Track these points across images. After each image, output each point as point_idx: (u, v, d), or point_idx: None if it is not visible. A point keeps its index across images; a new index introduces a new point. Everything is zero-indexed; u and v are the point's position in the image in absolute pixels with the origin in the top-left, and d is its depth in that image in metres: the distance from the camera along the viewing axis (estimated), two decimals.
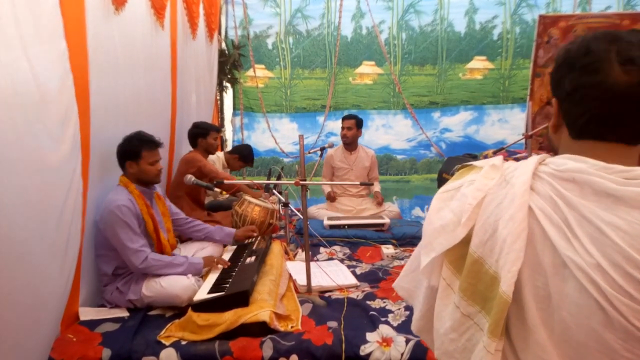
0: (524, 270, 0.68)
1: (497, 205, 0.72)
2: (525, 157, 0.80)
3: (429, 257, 0.79)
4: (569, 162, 0.69)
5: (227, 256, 2.66)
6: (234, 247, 2.83)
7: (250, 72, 5.16)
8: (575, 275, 0.64)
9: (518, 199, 0.69)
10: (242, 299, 1.97)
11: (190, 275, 2.25)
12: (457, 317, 0.76)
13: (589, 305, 0.63)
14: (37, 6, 1.74)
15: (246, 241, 2.85)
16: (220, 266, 2.39)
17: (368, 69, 5.14)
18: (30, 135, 1.72)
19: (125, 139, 2.35)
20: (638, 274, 0.60)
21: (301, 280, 2.40)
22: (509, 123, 5.10)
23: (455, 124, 5.18)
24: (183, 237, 2.91)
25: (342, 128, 3.92)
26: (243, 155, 4.03)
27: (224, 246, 2.89)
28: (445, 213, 0.77)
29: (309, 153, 3.91)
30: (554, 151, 0.80)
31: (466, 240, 0.74)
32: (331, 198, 3.91)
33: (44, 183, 1.81)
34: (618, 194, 0.63)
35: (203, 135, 3.38)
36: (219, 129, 3.54)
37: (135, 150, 2.30)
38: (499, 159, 0.80)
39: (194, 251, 2.72)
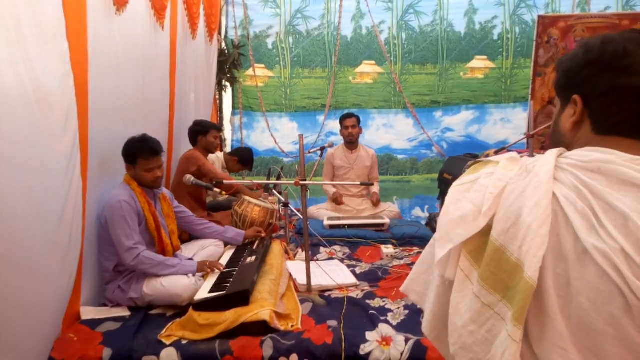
0: (547, 257, 0.68)
1: (520, 194, 0.72)
2: (527, 157, 0.81)
3: (445, 248, 0.79)
4: (594, 154, 0.70)
5: (227, 255, 2.67)
6: (235, 246, 2.84)
7: (250, 72, 5.16)
8: (597, 261, 0.64)
9: (543, 186, 0.70)
10: (242, 298, 1.98)
11: (191, 275, 2.26)
12: (477, 307, 0.75)
13: (609, 290, 0.64)
14: (39, 6, 1.75)
15: (247, 241, 2.86)
16: (216, 270, 2.33)
17: (368, 68, 5.14)
18: (33, 135, 1.74)
19: (128, 141, 2.36)
20: None
21: (301, 279, 2.41)
22: (512, 122, 5.09)
23: (457, 124, 5.18)
24: (184, 237, 2.92)
25: (346, 127, 3.89)
26: (242, 159, 4.03)
27: (225, 246, 2.90)
28: (463, 204, 0.78)
29: (309, 153, 3.91)
30: (562, 147, 0.80)
31: (485, 231, 0.75)
32: (337, 201, 3.87)
33: (46, 183, 1.82)
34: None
35: (204, 133, 3.38)
36: (219, 128, 3.54)
37: (131, 155, 2.32)
38: (514, 153, 0.81)
39: (195, 251, 2.73)
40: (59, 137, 1.87)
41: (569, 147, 0.79)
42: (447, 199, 0.81)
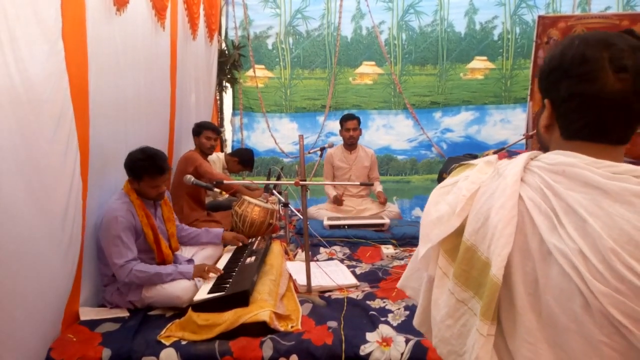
0: (515, 256, 0.72)
1: (490, 196, 0.76)
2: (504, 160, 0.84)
3: (425, 247, 0.84)
4: (560, 157, 0.73)
5: (227, 256, 2.67)
6: (234, 247, 2.83)
7: (250, 72, 5.16)
8: (559, 261, 0.67)
9: (509, 188, 0.73)
10: (242, 298, 1.98)
11: None
12: (452, 303, 0.80)
13: (570, 289, 0.66)
14: (36, 6, 1.74)
15: (240, 243, 2.82)
16: (212, 275, 2.27)
17: (368, 69, 5.14)
18: (36, 135, 1.74)
19: (133, 153, 2.27)
20: (617, 263, 0.63)
21: (301, 280, 2.40)
22: (511, 123, 5.09)
23: (457, 124, 5.17)
24: None
25: (347, 129, 3.87)
26: (243, 159, 4.02)
27: (224, 246, 2.89)
28: (441, 206, 0.82)
29: (309, 153, 3.90)
30: (544, 149, 0.82)
31: (460, 230, 0.78)
32: (338, 202, 3.86)
33: (47, 183, 1.82)
34: (605, 187, 0.66)
35: (197, 133, 3.36)
36: (215, 128, 3.50)
37: (137, 171, 2.24)
38: (493, 156, 0.84)
39: (195, 251, 2.72)
40: (49, 137, 1.85)
41: (547, 149, 0.81)
42: (429, 201, 0.86)
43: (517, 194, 0.73)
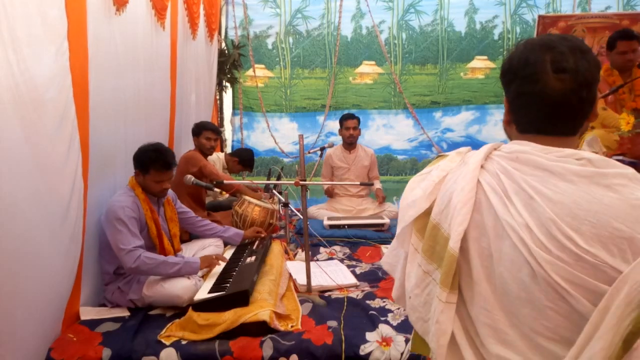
0: (472, 233, 0.82)
1: (454, 181, 0.86)
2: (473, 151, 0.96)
3: (400, 227, 0.96)
4: (515, 146, 0.83)
5: (227, 255, 2.66)
6: (235, 246, 2.84)
7: (250, 72, 5.16)
8: (509, 235, 0.76)
9: (469, 174, 0.83)
10: (242, 298, 1.98)
11: (191, 275, 2.25)
12: (420, 274, 0.91)
13: (519, 260, 0.75)
14: (42, 7, 1.75)
15: (246, 241, 2.86)
16: (222, 263, 2.36)
17: (368, 69, 5.14)
18: (31, 135, 1.74)
19: (142, 148, 2.33)
20: (557, 233, 0.71)
21: (301, 279, 2.40)
22: None
23: (457, 124, 5.17)
24: (184, 237, 2.92)
25: (347, 128, 3.87)
26: (243, 159, 4.02)
27: (225, 246, 2.89)
28: (416, 191, 0.92)
29: (309, 153, 3.90)
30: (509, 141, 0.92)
31: (429, 211, 0.89)
32: (330, 193, 3.89)
33: (50, 183, 1.82)
34: (551, 169, 0.76)
35: (197, 134, 3.36)
36: (215, 129, 3.50)
37: (145, 164, 2.29)
38: (464, 148, 0.95)
39: (195, 251, 2.73)
40: (53, 136, 1.86)
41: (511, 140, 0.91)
42: (406, 187, 0.97)
43: (475, 179, 0.83)
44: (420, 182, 0.93)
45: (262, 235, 2.87)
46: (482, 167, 0.84)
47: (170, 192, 2.55)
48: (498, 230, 0.78)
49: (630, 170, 0.73)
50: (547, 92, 0.80)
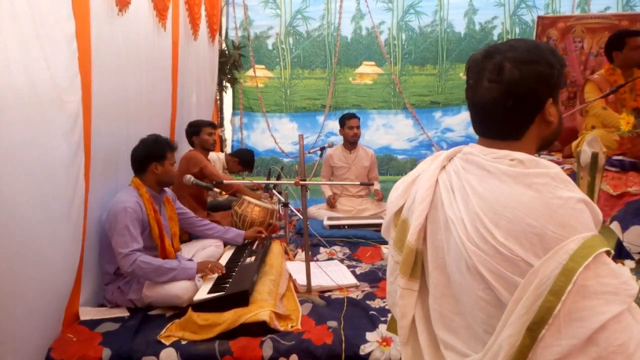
0: (430, 227, 0.89)
1: (420, 180, 0.94)
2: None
3: (385, 222, 1.07)
4: (467, 148, 0.91)
5: (227, 255, 2.67)
6: (234, 246, 2.83)
7: (250, 72, 5.16)
8: (451, 228, 0.83)
9: (429, 174, 0.92)
10: (242, 298, 1.98)
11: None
12: (392, 264, 1.00)
13: (459, 252, 0.81)
14: (53, 7, 1.76)
15: (247, 241, 2.86)
16: (214, 273, 2.26)
17: (368, 69, 5.14)
18: (46, 134, 1.75)
19: (148, 141, 2.35)
20: (480, 227, 0.77)
21: (301, 280, 2.40)
22: None
23: (457, 124, 5.18)
24: (184, 237, 2.92)
25: (351, 127, 3.86)
26: (243, 160, 4.02)
27: (225, 246, 2.89)
28: (397, 191, 1.00)
29: (309, 153, 3.90)
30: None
31: (402, 209, 0.97)
32: (331, 204, 3.88)
33: (55, 182, 1.83)
34: (488, 168, 0.82)
35: (196, 133, 3.35)
36: (212, 123, 3.50)
37: (162, 150, 2.34)
38: (441, 151, 1.00)
39: (195, 251, 2.72)
40: (68, 136, 1.88)
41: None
42: (393, 188, 1.04)
43: (434, 178, 0.90)
44: (401, 182, 1.02)
45: (264, 235, 2.87)
46: (444, 167, 0.92)
47: (169, 191, 2.56)
48: (447, 224, 0.85)
49: (555, 170, 0.77)
50: (476, 99, 0.87)
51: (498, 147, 0.85)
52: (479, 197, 0.79)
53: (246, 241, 2.85)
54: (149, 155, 2.32)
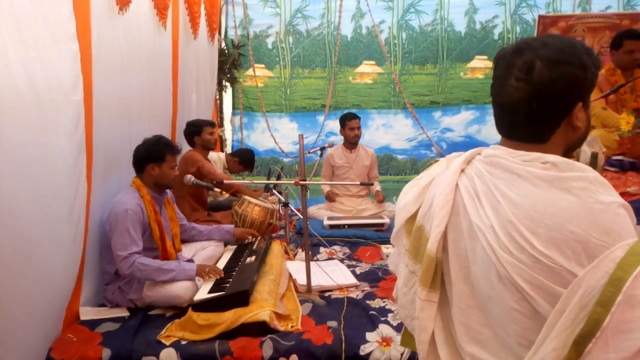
0: (450, 234, 0.84)
1: (437, 185, 0.89)
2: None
3: (395, 229, 1.01)
4: (490, 150, 0.85)
5: (227, 256, 2.67)
6: (234, 246, 2.83)
7: (249, 72, 5.16)
8: (479, 236, 0.78)
9: (449, 178, 0.86)
10: (242, 298, 1.98)
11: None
12: (407, 273, 0.95)
13: (488, 261, 0.76)
14: (53, 6, 1.76)
15: (245, 241, 2.85)
16: (212, 275, 2.24)
17: (368, 69, 5.14)
18: (47, 134, 1.75)
19: (149, 142, 2.35)
20: (516, 235, 0.72)
21: (301, 279, 2.40)
22: None
23: (457, 124, 5.17)
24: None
25: (352, 128, 3.86)
26: (244, 160, 4.02)
27: (225, 245, 2.89)
28: (408, 196, 0.96)
29: (309, 153, 3.90)
30: None
31: (416, 215, 0.93)
32: (330, 198, 3.89)
33: (55, 183, 1.83)
34: (518, 172, 0.77)
35: (197, 132, 3.35)
36: (212, 123, 3.50)
37: (161, 152, 2.32)
38: (455, 153, 0.96)
39: (195, 251, 2.72)
40: (70, 136, 1.88)
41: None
42: (401, 192, 1.01)
43: (454, 182, 0.85)
44: (412, 187, 0.97)
45: (250, 239, 2.81)
46: (463, 171, 0.87)
47: (168, 192, 2.55)
48: (471, 232, 0.80)
49: (593, 174, 0.73)
50: (501, 98, 0.82)
51: (524, 150, 0.81)
52: (512, 203, 0.74)
53: (246, 241, 2.84)
54: (147, 156, 2.32)
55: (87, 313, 2.10)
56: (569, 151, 0.85)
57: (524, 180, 0.75)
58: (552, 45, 0.77)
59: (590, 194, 0.70)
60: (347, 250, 3.06)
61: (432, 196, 0.88)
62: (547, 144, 0.81)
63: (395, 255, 1.10)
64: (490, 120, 5.12)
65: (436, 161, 1.00)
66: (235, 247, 2.83)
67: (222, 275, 2.27)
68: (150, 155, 2.32)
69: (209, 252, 2.72)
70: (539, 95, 0.77)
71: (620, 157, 2.81)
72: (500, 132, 0.86)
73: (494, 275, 0.75)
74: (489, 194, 0.78)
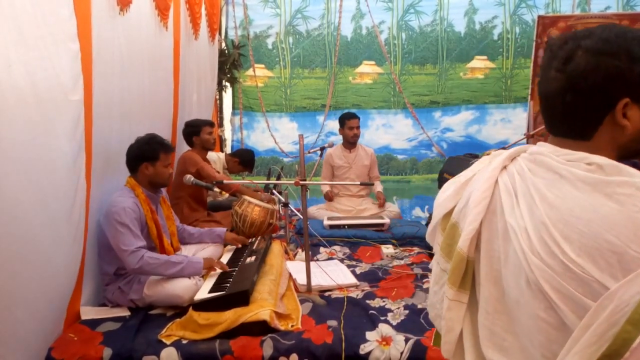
0: (484, 234, 0.79)
1: (476, 181, 0.85)
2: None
3: (431, 226, 0.96)
4: (535, 147, 0.79)
5: (227, 256, 2.68)
6: (234, 247, 2.84)
7: (249, 72, 5.16)
8: (512, 238, 0.73)
9: (488, 174, 0.81)
10: (242, 298, 1.98)
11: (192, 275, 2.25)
12: (438, 271, 0.91)
13: (519, 265, 0.71)
14: (54, 6, 1.77)
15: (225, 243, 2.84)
16: (216, 272, 2.32)
17: (368, 69, 5.14)
18: (47, 134, 1.76)
19: (142, 140, 2.35)
20: (548, 238, 0.67)
21: (301, 279, 2.41)
22: (512, 122, 5.08)
23: (457, 124, 5.18)
24: None
25: (351, 128, 3.87)
26: (244, 160, 4.03)
27: (224, 246, 2.90)
28: (447, 192, 0.91)
29: (309, 153, 3.90)
30: None
31: (452, 212, 0.88)
32: (329, 197, 3.89)
33: (56, 182, 1.84)
34: (560, 172, 0.71)
35: (196, 132, 3.35)
36: (211, 122, 3.50)
37: (153, 151, 2.31)
38: (499, 151, 0.88)
39: (194, 251, 2.72)
40: (70, 136, 1.89)
41: None
42: (441, 189, 0.96)
43: (493, 179, 0.80)
44: (451, 184, 0.92)
45: (239, 246, 2.80)
46: (505, 167, 0.81)
47: (163, 191, 2.56)
48: (506, 232, 0.75)
49: None
50: (541, 89, 0.78)
51: (569, 147, 0.74)
52: (548, 204, 0.69)
53: (248, 241, 2.84)
54: (140, 155, 2.32)
55: (88, 313, 2.11)
56: (627, 155, 0.76)
57: (565, 181, 0.70)
58: (597, 35, 0.72)
59: (635, 201, 0.63)
60: (347, 250, 3.06)
61: (468, 192, 0.84)
62: (591, 142, 0.75)
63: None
64: (490, 120, 5.15)
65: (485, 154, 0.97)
66: (235, 247, 2.84)
67: (227, 269, 2.30)
68: (144, 154, 2.32)
69: (208, 252, 2.73)
70: (571, 87, 0.72)
71: None
72: (547, 129, 0.81)
73: (523, 280, 0.70)
74: (527, 193, 0.73)
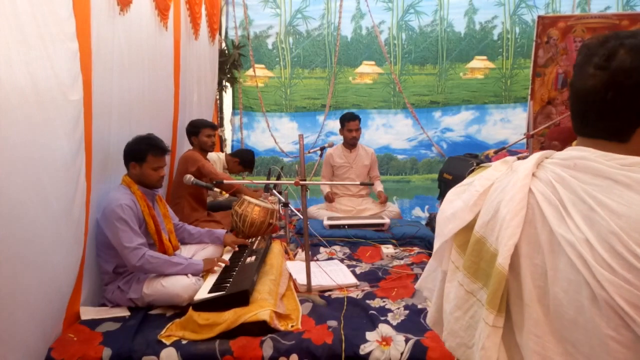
0: (523, 248, 0.73)
1: (501, 190, 0.78)
2: (526, 157, 0.85)
3: (438, 243, 0.88)
4: (571, 152, 0.74)
5: (227, 256, 2.67)
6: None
7: (249, 72, 5.16)
8: (566, 251, 0.67)
9: (520, 182, 0.75)
10: (242, 298, 1.98)
11: (190, 275, 2.25)
12: (462, 294, 0.82)
13: (577, 280, 0.65)
14: (53, 6, 1.77)
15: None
16: (221, 264, 2.37)
17: (368, 69, 5.14)
18: (47, 134, 1.76)
19: (134, 139, 2.35)
20: (623, 250, 0.62)
21: (301, 279, 2.41)
22: (512, 122, 5.09)
23: (457, 124, 5.18)
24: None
25: (350, 130, 3.87)
26: (244, 160, 4.03)
27: (224, 246, 2.89)
28: (456, 203, 0.84)
29: (309, 153, 3.90)
30: None
31: (472, 225, 0.81)
32: (329, 199, 3.89)
33: (57, 182, 1.84)
34: (615, 178, 0.66)
35: (195, 133, 3.35)
36: (213, 125, 3.49)
37: (141, 152, 2.30)
38: (511, 157, 0.86)
39: (194, 251, 2.72)
40: (70, 136, 1.89)
41: None
42: (444, 199, 0.89)
43: (527, 187, 0.74)
44: (460, 193, 0.86)
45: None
46: (533, 175, 0.76)
47: (159, 190, 2.55)
48: (553, 245, 0.69)
49: None
50: (576, 86, 0.74)
51: (605, 149, 0.71)
52: (613, 213, 0.64)
53: (249, 240, 2.84)
54: (129, 154, 2.33)
55: (88, 313, 2.11)
56: None
57: (625, 188, 0.65)
58: (632, 35, 0.71)
59: None
60: (347, 250, 3.06)
61: (495, 203, 0.77)
62: (629, 145, 0.72)
63: (430, 278, 0.98)
64: (490, 120, 5.15)
65: (482, 167, 0.89)
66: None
67: (228, 263, 2.33)
68: (132, 153, 2.32)
69: (208, 252, 2.73)
70: (615, 83, 0.70)
71: None
72: (576, 130, 0.77)
73: (585, 297, 0.64)
74: (579, 202, 0.67)
